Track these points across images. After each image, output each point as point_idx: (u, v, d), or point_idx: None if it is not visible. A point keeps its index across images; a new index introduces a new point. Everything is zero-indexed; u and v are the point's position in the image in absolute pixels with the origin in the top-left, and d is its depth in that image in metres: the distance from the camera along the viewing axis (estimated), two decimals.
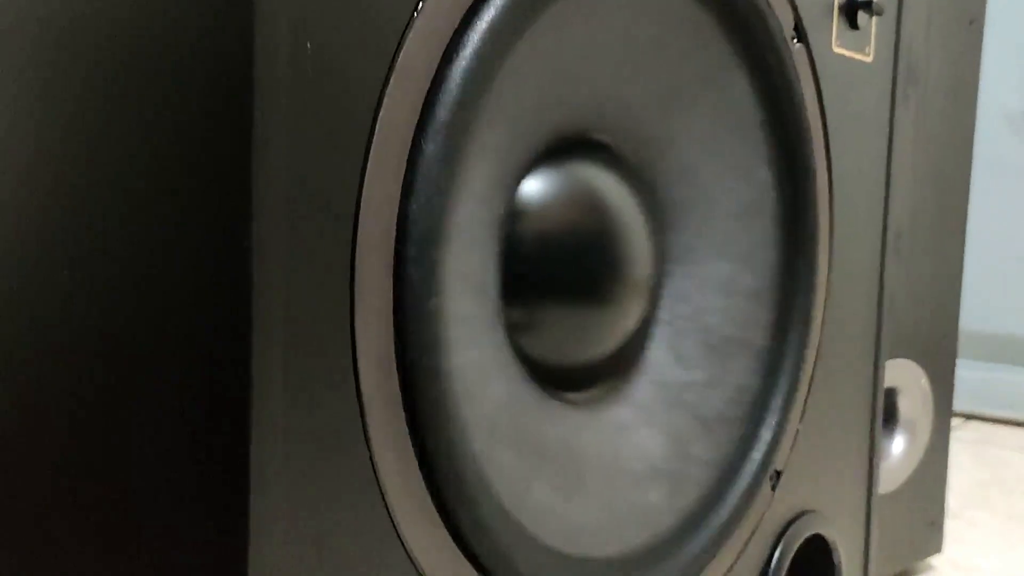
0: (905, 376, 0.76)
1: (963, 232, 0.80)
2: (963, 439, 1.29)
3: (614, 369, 0.45)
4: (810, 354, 0.50)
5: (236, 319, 0.27)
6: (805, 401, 0.51)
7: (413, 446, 0.32)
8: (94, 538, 0.32)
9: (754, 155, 0.47)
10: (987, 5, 0.80)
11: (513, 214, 0.39)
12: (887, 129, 0.57)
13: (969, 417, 1.39)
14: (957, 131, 0.78)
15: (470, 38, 0.31)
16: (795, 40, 0.47)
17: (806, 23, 0.48)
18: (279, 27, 0.26)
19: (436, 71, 0.30)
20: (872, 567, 0.57)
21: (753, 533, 0.48)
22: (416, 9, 0.29)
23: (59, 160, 0.32)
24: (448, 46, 0.31)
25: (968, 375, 1.34)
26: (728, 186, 0.47)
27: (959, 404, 1.37)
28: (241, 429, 0.27)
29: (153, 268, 0.29)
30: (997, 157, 1.29)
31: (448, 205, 0.31)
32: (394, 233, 0.30)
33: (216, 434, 0.28)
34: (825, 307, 0.52)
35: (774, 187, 0.48)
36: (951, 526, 0.94)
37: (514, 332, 0.40)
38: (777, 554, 0.49)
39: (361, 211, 0.29)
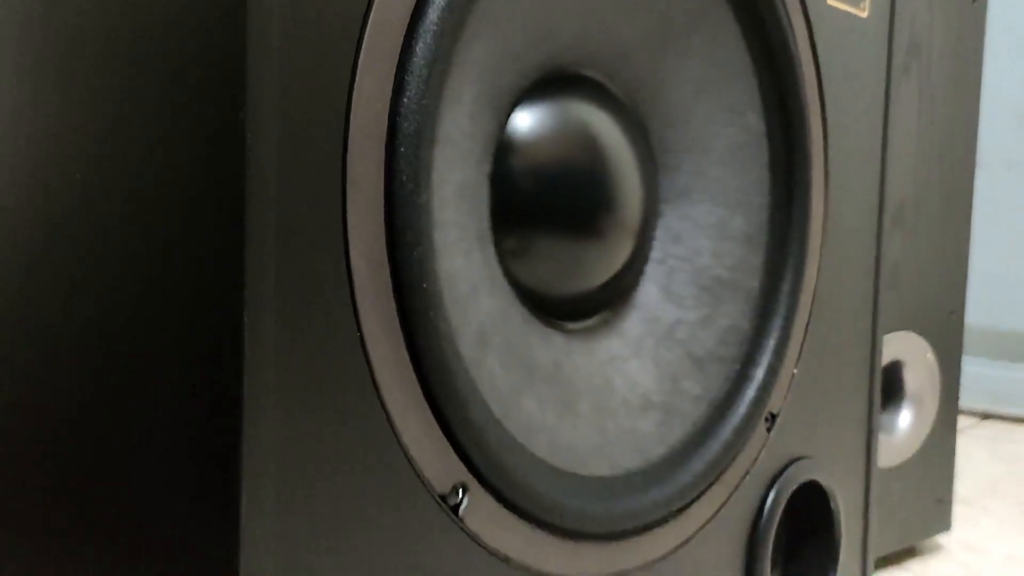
0: (911, 349, 0.76)
1: (969, 210, 0.80)
2: (979, 436, 1.28)
3: (606, 304, 0.46)
4: (804, 300, 0.51)
5: (228, 211, 0.29)
6: (801, 347, 0.52)
7: (404, 341, 0.33)
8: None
9: (746, 100, 0.48)
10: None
11: (508, 140, 0.40)
12: (883, 88, 0.58)
13: (985, 416, 1.38)
14: (962, 107, 0.79)
15: None
16: None
17: None
18: None
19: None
20: (872, 520, 0.57)
21: (747, 473, 0.49)
22: None
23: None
24: None
25: (984, 373, 1.33)
26: (721, 130, 0.48)
27: (975, 403, 1.36)
28: (234, 325, 0.29)
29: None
30: (1008, 153, 1.29)
31: (438, 108, 0.33)
32: (385, 129, 0.31)
33: (209, 329, 0.29)
34: (821, 256, 0.53)
35: (767, 133, 0.49)
36: (964, 512, 0.94)
37: (506, 258, 0.41)
38: (772, 496, 0.50)
39: (353, 106, 0.30)
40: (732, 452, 0.47)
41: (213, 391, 0.29)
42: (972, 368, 1.31)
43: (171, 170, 0.30)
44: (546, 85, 0.42)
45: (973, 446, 1.23)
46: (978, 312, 1.30)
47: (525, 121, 0.41)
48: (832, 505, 0.54)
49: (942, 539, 0.85)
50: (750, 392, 0.48)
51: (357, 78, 0.30)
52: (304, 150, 0.29)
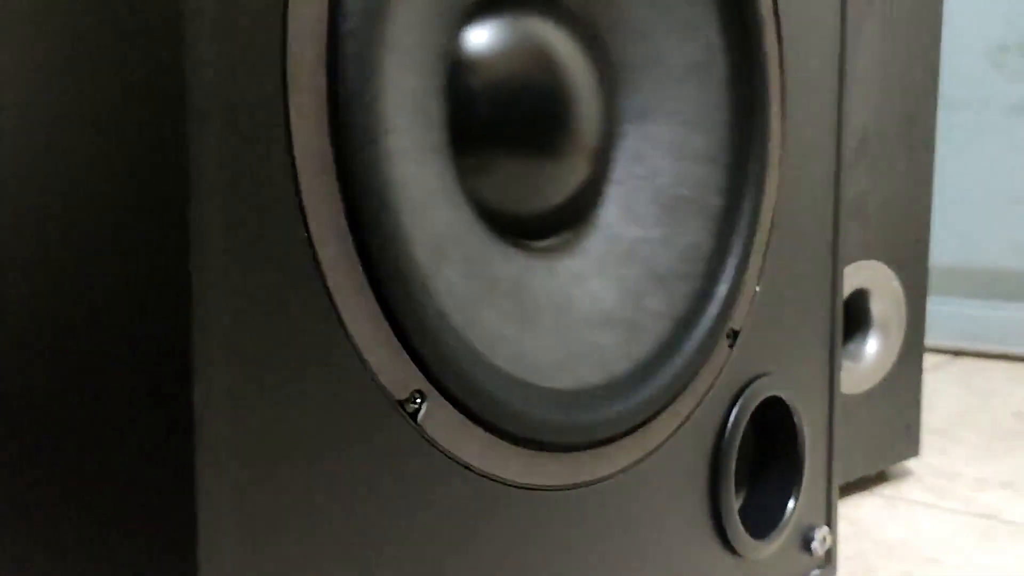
0: (875, 277, 0.77)
1: (932, 140, 0.81)
2: (951, 373, 1.30)
3: (567, 224, 0.46)
4: (765, 218, 0.52)
5: (168, 113, 0.28)
6: (763, 265, 0.52)
7: (354, 243, 0.33)
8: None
9: (704, 16, 0.48)
10: None
11: (460, 56, 0.40)
12: (840, 10, 0.58)
13: (957, 354, 1.40)
14: (923, 39, 0.79)
15: None
16: None
17: None
18: None
19: None
20: (836, 437, 0.58)
21: (710, 389, 0.49)
22: None
23: None
24: None
25: (955, 311, 1.35)
26: (679, 46, 0.48)
27: (947, 341, 1.38)
28: (180, 244, 0.29)
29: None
30: (977, 92, 1.30)
31: (381, 7, 0.33)
32: (326, 30, 0.31)
33: (152, 243, 0.29)
34: (780, 176, 0.53)
35: (724, 49, 0.49)
36: (935, 441, 0.96)
37: (464, 174, 0.41)
38: (735, 412, 0.51)
39: (288, 24, 0.30)
40: (695, 368, 0.47)
41: (158, 299, 0.29)
42: (943, 307, 1.33)
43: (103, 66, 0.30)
44: (493, 4, 0.42)
45: (945, 382, 1.24)
46: (947, 251, 1.32)
47: (479, 36, 0.41)
48: (795, 420, 0.54)
49: (912, 465, 0.87)
50: (712, 309, 0.48)
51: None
52: (241, 52, 0.29)
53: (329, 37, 0.31)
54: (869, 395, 0.77)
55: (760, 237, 0.51)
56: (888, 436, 0.80)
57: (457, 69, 0.40)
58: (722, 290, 0.49)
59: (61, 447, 0.33)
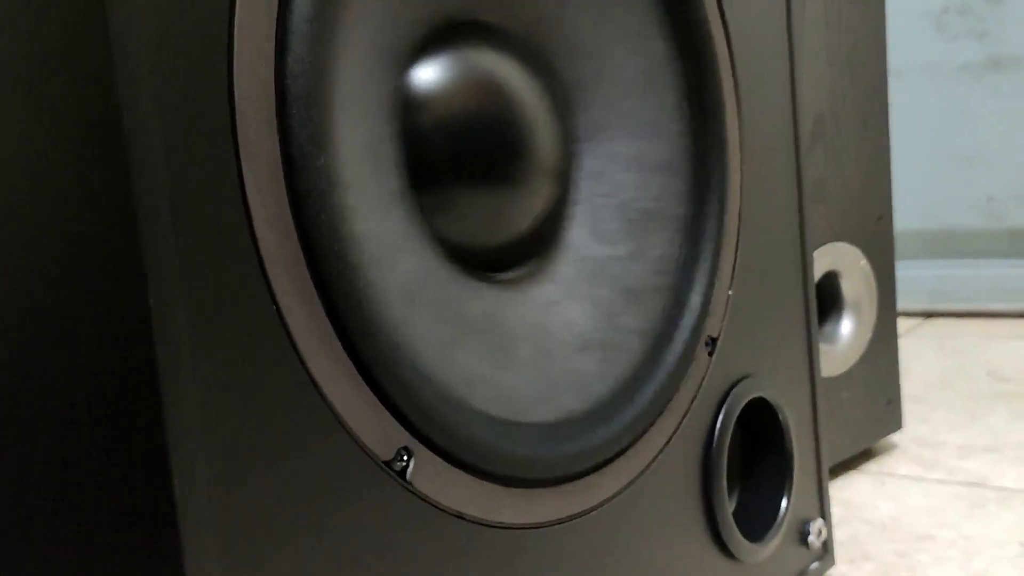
0: (843, 258, 0.77)
1: (886, 116, 0.81)
2: (924, 335, 1.31)
3: (534, 250, 0.45)
4: (731, 220, 0.51)
5: (116, 204, 0.27)
6: (734, 267, 0.52)
7: (324, 308, 0.32)
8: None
9: (648, 26, 0.48)
10: None
11: (412, 96, 0.39)
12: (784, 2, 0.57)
13: (928, 315, 1.41)
14: (868, 16, 0.79)
15: None
16: None
17: None
18: None
19: None
20: (822, 428, 0.58)
21: (694, 399, 0.49)
22: None
23: None
24: None
25: (921, 274, 1.36)
26: (628, 59, 0.48)
27: (917, 304, 1.39)
28: (142, 319, 0.28)
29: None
30: (922, 56, 1.31)
31: (328, 66, 0.32)
32: (274, 94, 0.30)
33: (117, 334, 0.28)
34: (742, 175, 0.53)
35: (673, 58, 0.48)
36: (915, 409, 0.97)
37: (427, 215, 0.40)
38: (720, 418, 0.50)
39: (235, 73, 0.29)
40: (676, 381, 0.47)
41: (128, 397, 0.28)
42: (909, 271, 1.34)
43: (48, 173, 0.29)
44: (443, 35, 0.41)
45: (919, 345, 1.26)
46: (908, 215, 1.33)
47: (427, 74, 0.40)
48: (780, 418, 0.54)
49: (896, 438, 0.87)
50: (688, 320, 0.48)
51: (235, 43, 0.29)
52: (190, 128, 0.28)
53: (278, 102, 0.30)
54: (849, 375, 0.78)
55: (728, 240, 0.51)
56: (871, 413, 0.80)
57: (409, 110, 0.39)
58: (695, 300, 0.48)
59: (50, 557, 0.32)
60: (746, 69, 0.53)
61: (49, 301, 0.30)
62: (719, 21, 0.51)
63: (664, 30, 0.48)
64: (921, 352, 1.22)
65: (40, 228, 0.30)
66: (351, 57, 0.34)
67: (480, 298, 0.41)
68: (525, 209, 0.44)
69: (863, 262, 0.79)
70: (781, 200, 0.57)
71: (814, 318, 0.58)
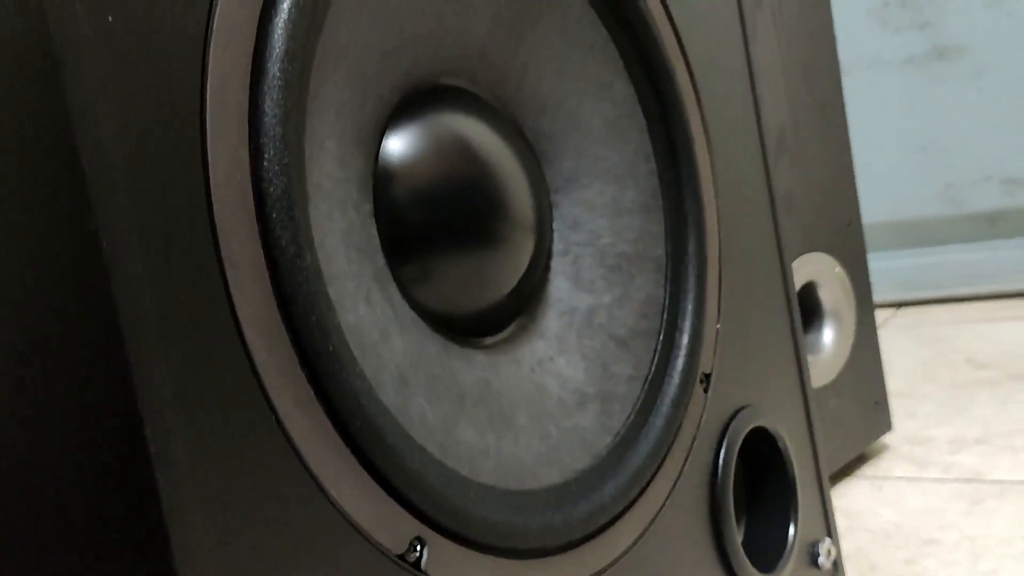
0: (819, 268, 0.77)
1: (844, 121, 0.82)
2: (899, 325, 1.32)
3: (519, 309, 0.45)
4: (711, 255, 0.51)
5: (105, 324, 0.27)
6: (719, 301, 0.52)
7: (323, 408, 0.31)
8: None
9: (610, 71, 0.47)
10: None
11: (383, 172, 0.39)
12: (740, 27, 0.58)
13: (900, 305, 1.42)
14: (816, 25, 0.80)
15: None
16: None
17: None
18: (73, 9, 0.25)
19: (258, 25, 0.30)
20: (820, 449, 0.58)
21: (695, 439, 0.49)
22: None
23: None
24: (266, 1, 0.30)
25: (889, 266, 1.37)
26: (593, 106, 0.47)
27: (886, 295, 1.41)
28: (138, 445, 0.27)
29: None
30: (867, 51, 1.33)
31: (302, 162, 0.31)
32: (252, 198, 0.29)
33: (117, 443, 0.27)
34: (718, 206, 0.53)
35: (637, 99, 0.48)
36: (901, 405, 0.97)
37: (410, 289, 0.39)
38: (723, 454, 0.50)
39: (211, 182, 0.28)
40: (675, 424, 0.46)
41: (132, 521, 0.27)
42: (876, 264, 1.35)
43: (32, 299, 0.28)
44: (409, 105, 0.40)
45: (896, 337, 1.27)
46: (870, 210, 1.34)
47: (396, 147, 0.40)
48: (780, 445, 0.54)
49: (887, 438, 0.88)
50: (680, 360, 0.47)
51: (209, 152, 0.28)
52: (170, 244, 0.27)
53: (257, 206, 0.29)
54: (835, 383, 0.78)
55: (711, 274, 0.51)
56: (861, 417, 0.80)
57: (381, 186, 0.39)
58: (685, 339, 0.48)
59: None
60: (711, 100, 0.53)
61: (43, 427, 0.29)
62: (680, 56, 0.51)
63: (626, 73, 0.48)
64: (898, 344, 1.23)
65: (27, 351, 0.29)
66: (323, 146, 0.34)
67: (472, 367, 0.41)
68: (507, 269, 0.44)
69: (838, 269, 0.79)
70: (757, 223, 0.57)
71: (801, 338, 0.58)
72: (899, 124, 1.33)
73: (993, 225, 1.32)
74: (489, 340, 0.43)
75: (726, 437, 0.51)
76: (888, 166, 1.34)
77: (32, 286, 0.27)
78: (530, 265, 0.45)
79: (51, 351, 0.27)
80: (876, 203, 1.35)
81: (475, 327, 0.43)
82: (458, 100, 0.43)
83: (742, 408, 0.52)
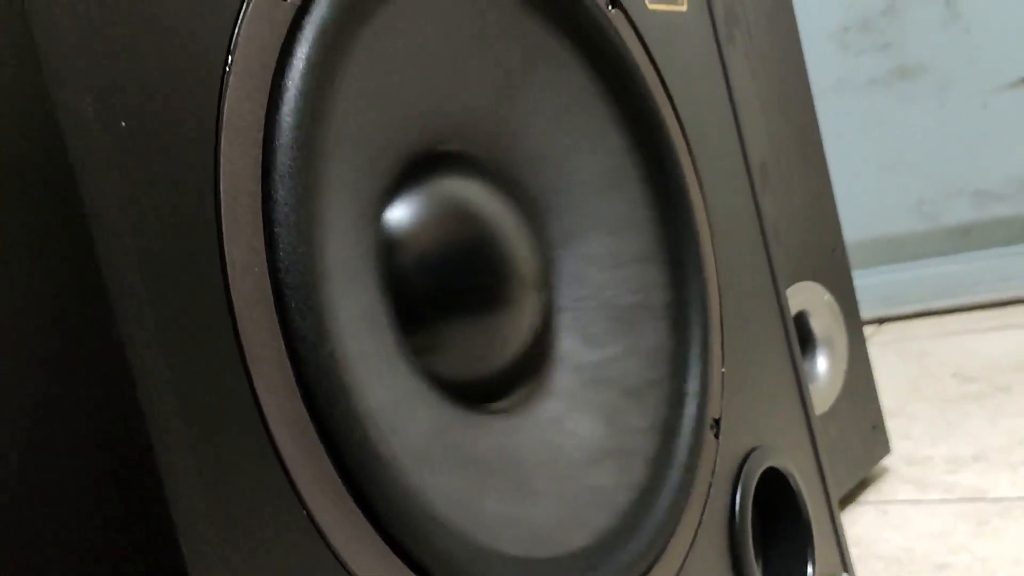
0: (809, 297, 0.78)
1: (821, 149, 0.83)
2: (883, 342, 1.33)
3: (530, 367, 0.45)
4: (712, 299, 0.51)
5: (129, 418, 0.26)
6: (722, 343, 0.52)
7: (352, 498, 0.31)
8: None
9: (602, 124, 0.48)
10: None
11: (388, 244, 0.38)
12: (720, 67, 0.58)
13: (881, 321, 1.44)
14: (787, 56, 0.81)
15: (291, 78, 0.30)
16: (610, 7, 0.48)
17: None
18: (84, 114, 0.25)
19: (266, 117, 0.30)
20: (830, 484, 0.58)
21: (711, 485, 0.49)
22: (228, 63, 0.29)
23: None
24: (271, 89, 0.30)
25: (867, 282, 1.39)
26: (587, 158, 0.48)
27: (868, 311, 1.42)
28: (167, 525, 0.26)
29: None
30: (831, 74, 1.35)
31: (315, 247, 0.31)
32: (271, 291, 0.29)
33: (149, 546, 0.27)
34: (714, 248, 0.53)
35: (629, 149, 0.49)
36: (894, 425, 0.98)
37: (422, 358, 0.39)
38: (739, 496, 0.50)
39: (230, 276, 0.28)
40: (691, 474, 0.46)
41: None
42: (857, 281, 1.37)
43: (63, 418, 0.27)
44: (407, 175, 0.40)
45: (880, 353, 1.28)
46: (848, 229, 1.36)
47: (399, 219, 0.39)
48: (792, 485, 0.54)
49: (885, 461, 0.88)
50: (690, 408, 0.47)
51: (226, 247, 0.28)
52: (193, 345, 0.27)
53: (275, 297, 0.29)
54: (832, 410, 0.78)
55: (713, 319, 0.51)
56: (860, 443, 0.81)
57: (388, 256, 0.38)
58: (693, 386, 0.48)
59: None
60: (699, 143, 0.53)
61: (72, 532, 0.28)
62: (667, 102, 0.52)
63: (619, 125, 0.48)
64: (884, 361, 1.23)
65: (58, 462, 0.28)
66: (333, 227, 0.33)
67: (489, 434, 0.40)
68: (515, 330, 0.44)
69: (827, 296, 0.80)
70: (751, 261, 0.57)
71: (803, 373, 0.59)
72: (868, 144, 1.35)
73: (967, 237, 1.34)
74: (502, 404, 0.43)
75: (740, 481, 0.50)
76: (860, 185, 1.36)
77: (61, 398, 0.26)
78: (537, 324, 0.45)
79: (83, 460, 0.27)
80: (852, 222, 1.36)
81: (488, 391, 0.42)
82: (455, 165, 0.43)
83: (753, 450, 0.52)
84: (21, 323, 0.26)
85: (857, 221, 1.37)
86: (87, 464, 0.27)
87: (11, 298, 0.26)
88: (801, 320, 0.78)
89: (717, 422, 0.50)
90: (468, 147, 0.43)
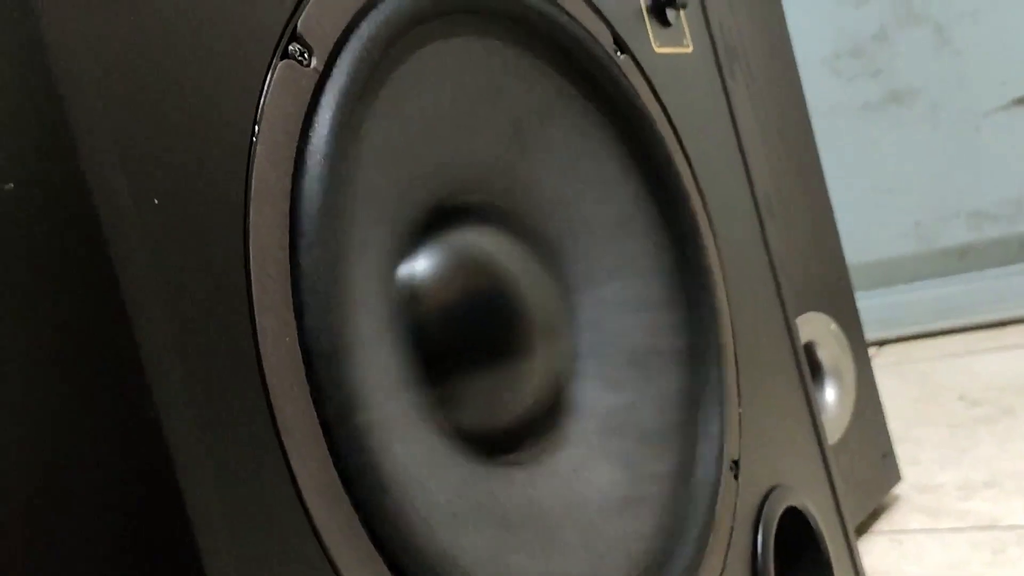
0: (815, 328, 0.78)
1: (822, 176, 0.83)
2: (883, 365, 1.33)
3: (549, 416, 0.45)
4: (727, 339, 0.51)
5: (167, 495, 0.26)
6: (738, 384, 0.52)
7: (383, 561, 0.30)
8: None
9: (615, 170, 0.48)
10: None
11: (410, 298, 0.38)
12: (725, 104, 0.59)
13: (881, 343, 1.44)
14: (785, 88, 0.81)
15: (315, 144, 0.30)
16: (618, 53, 0.49)
17: (623, 34, 0.49)
18: (119, 194, 0.25)
19: (292, 184, 0.30)
20: (848, 521, 0.58)
21: (732, 529, 0.48)
22: (254, 133, 0.29)
23: None
24: (296, 156, 0.30)
25: (866, 305, 1.39)
26: (602, 207, 0.48)
27: (868, 334, 1.42)
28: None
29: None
30: (824, 99, 1.36)
31: (343, 311, 0.31)
32: (301, 361, 0.29)
33: None
34: (727, 286, 0.53)
35: (642, 194, 0.49)
36: (902, 450, 0.97)
37: (443, 411, 0.39)
38: (760, 539, 0.50)
39: (261, 347, 0.28)
40: (712, 518, 0.46)
41: None
42: (856, 303, 1.37)
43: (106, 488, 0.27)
44: (425, 228, 0.40)
45: (883, 377, 1.28)
46: (846, 253, 1.37)
47: (419, 273, 0.39)
48: (812, 524, 0.54)
49: (895, 489, 0.88)
50: (710, 451, 0.47)
51: (257, 318, 0.28)
52: (227, 421, 0.27)
53: (306, 366, 0.29)
54: (843, 441, 0.78)
55: (728, 360, 0.51)
56: (871, 472, 0.80)
57: (412, 312, 0.38)
58: (712, 429, 0.48)
59: None
60: (709, 184, 0.54)
61: None
62: (677, 146, 0.52)
63: (631, 170, 0.48)
64: (886, 384, 1.23)
65: (95, 538, 0.28)
66: (358, 288, 0.33)
67: (511, 486, 0.40)
68: (536, 378, 0.44)
69: (833, 326, 0.80)
70: (762, 299, 0.57)
71: (817, 409, 0.58)
72: (863, 168, 1.36)
73: (963, 259, 1.35)
74: (522, 454, 0.42)
75: (761, 522, 0.50)
76: (857, 209, 1.37)
77: (97, 476, 0.26)
78: (557, 371, 0.45)
79: (122, 543, 0.26)
80: (849, 245, 1.37)
81: (508, 442, 0.42)
82: (473, 214, 0.43)
83: (772, 489, 0.52)
84: (64, 402, 0.26)
85: (854, 244, 1.37)
86: (120, 548, 0.27)
87: (52, 379, 0.26)
88: (809, 351, 0.78)
89: (736, 463, 0.50)
90: (485, 197, 0.44)
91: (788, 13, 0.85)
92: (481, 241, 0.43)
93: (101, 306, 0.25)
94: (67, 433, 0.26)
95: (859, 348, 0.82)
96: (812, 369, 0.79)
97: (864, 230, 1.38)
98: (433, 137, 0.39)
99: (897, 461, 0.85)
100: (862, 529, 0.80)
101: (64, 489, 0.27)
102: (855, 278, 1.38)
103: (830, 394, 0.79)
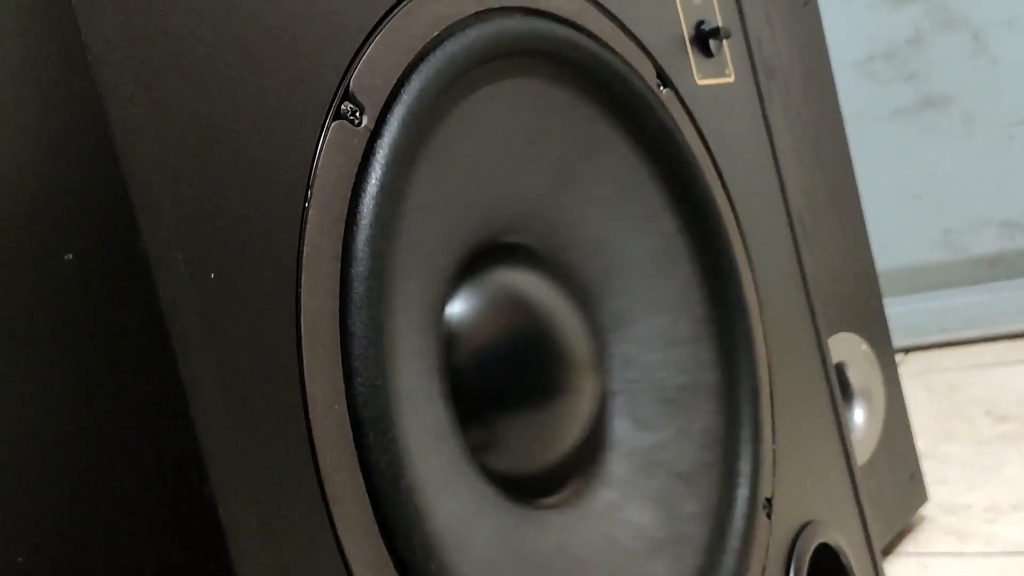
0: (847, 348, 0.77)
1: (857, 198, 0.82)
2: (909, 373, 1.33)
3: (584, 456, 0.45)
4: (762, 374, 0.51)
5: (212, 552, 0.26)
6: (773, 421, 0.51)
7: None
8: None
9: (654, 206, 0.48)
10: None
11: (447, 342, 0.38)
12: (765, 132, 0.58)
13: (907, 351, 1.43)
14: (823, 104, 0.81)
15: (365, 205, 0.30)
16: (661, 87, 0.48)
17: (666, 68, 0.49)
18: (178, 272, 0.25)
19: (343, 247, 0.30)
20: (878, 555, 0.58)
21: (765, 567, 0.48)
22: (307, 197, 0.29)
23: None
24: (348, 218, 0.30)
25: (893, 312, 1.38)
26: (638, 244, 0.47)
27: (894, 341, 1.41)
28: None
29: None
30: (859, 104, 1.34)
31: (392, 374, 0.31)
32: (349, 426, 0.29)
33: None
34: (762, 320, 0.52)
35: (680, 229, 0.48)
36: (928, 467, 0.97)
37: (480, 457, 0.39)
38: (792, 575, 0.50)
39: (311, 415, 0.28)
40: (746, 557, 0.46)
41: None
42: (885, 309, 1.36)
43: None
44: (466, 272, 0.40)
45: (908, 386, 1.26)
46: (875, 256, 1.35)
47: (459, 319, 0.39)
48: (844, 562, 0.54)
49: (923, 509, 0.87)
50: (743, 490, 0.47)
51: (307, 386, 0.28)
52: (280, 495, 0.27)
53: (355, 434, 0.29)
54: (871, 463, 0.77)
55: (763, 396, 0.51)
56: (899, 493, 0.80)
57: (453, 360, 0.38)
58: (746, 467, 0.48)
59: None
60: (748, 214, 0.53)
61: None
62: (717, 178, 0.52)
63: (670, 206, 0.48)
64: (912, 395, 1.23)
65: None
66: (403, 345, 0.33)
67: (547, 531, 0.40)
68: (571, 419, 0.44)
69: (864, 347, 0.79)
70: (798, 333, 0.57)
71: (851, 444, 0.58)
72: (893, 174, 1.35)
73: (993, 268, 1.33)
74: (559, 498, 0.42)
75: (793, 560, 0.50)
76: (886, 215, 1.35)
77: (153, 558, 0.26)
78: (591, 410, 0.45)
79: None
80: (878, 251, 1.35)
81: (544, 485, 0.42)
82: (510, 255, 0.43)
83: (804, 526, 0.52)
84: (122, 483, 0.26)
85: (883, 250, 1.36)
86: None
87: (111, 456, 0.26)
88: (839, 372, 0.77)
89: (769, 501, 0.50)
90: (524, 239, 0.43)
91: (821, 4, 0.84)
92: (518, 281, 0.43)
93: (158, 383, 0.25)
94: (125, 519, 0.26)
95: (889, 369, 0.82)
96: (842, 390, 0.78)
97: (893, 236, 1.36)
98: (479, 182, 0.39)
99: (924, 483, 0.84)
100: (888, 550, 0.80)
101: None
102: (883, 284, 1.37)
103: (859, 415, 0.78)
